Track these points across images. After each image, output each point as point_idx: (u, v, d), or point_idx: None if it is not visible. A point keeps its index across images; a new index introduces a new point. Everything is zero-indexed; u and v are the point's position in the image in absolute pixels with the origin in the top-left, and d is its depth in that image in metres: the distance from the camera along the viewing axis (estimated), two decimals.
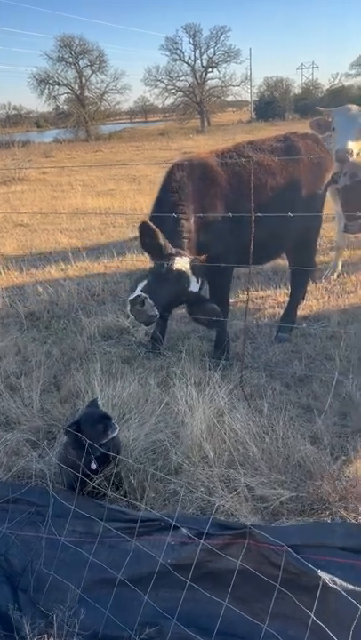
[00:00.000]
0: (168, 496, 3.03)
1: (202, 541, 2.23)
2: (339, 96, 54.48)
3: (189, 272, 4.61)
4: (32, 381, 4.58)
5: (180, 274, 4.56)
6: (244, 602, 2.22)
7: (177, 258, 4.51)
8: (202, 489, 2.96)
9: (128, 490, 3.10)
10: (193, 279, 4.64)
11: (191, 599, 2.32)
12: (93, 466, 3.06)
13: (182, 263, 4.55)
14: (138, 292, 4.54)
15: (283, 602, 2.10)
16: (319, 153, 5.47)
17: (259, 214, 4.22)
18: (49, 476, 3.14)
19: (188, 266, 4.58)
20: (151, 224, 4.47)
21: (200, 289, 4.72)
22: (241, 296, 6.96)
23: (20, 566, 2.85)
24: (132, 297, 4.52)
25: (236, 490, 2.93)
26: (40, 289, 7.53)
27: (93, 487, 3.02)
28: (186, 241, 4.64)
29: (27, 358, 5.37)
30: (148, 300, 4.39)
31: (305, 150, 5.34)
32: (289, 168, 5.18)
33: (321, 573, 1.99)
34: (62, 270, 8.70)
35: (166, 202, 4.74)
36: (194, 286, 4.64)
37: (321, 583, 1.97)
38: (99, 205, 14.00)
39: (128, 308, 4.56)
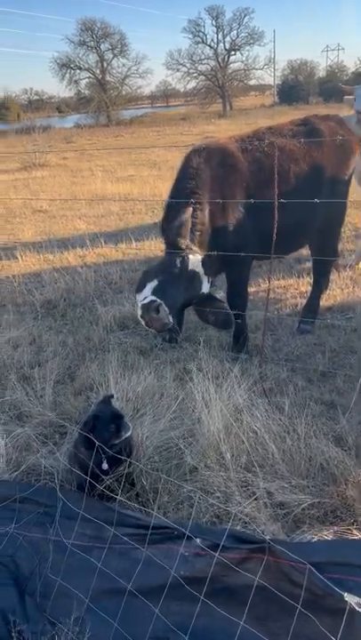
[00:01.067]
0: (182, 499, 2.87)
1: (217, 555, 2.07)
2: None
3: (202, 272, 4.37)
4: (46, 372, 4.45)
5: (194, 275, 4.31)
6: (262, 621, 2.06)
7: (190, 256, 4.26)
8: (218, 494, 2.79)
9: (140, 492, 2.95)
10: (205, 279, 4.40)
11: (205, 614, 2.17)
12: (105, 466, 2.91)
13: (195, 263, 4.30)
14: (148, 293, 4.21)
15: (305, 623, 1.93)
16: (343, 135, 5.18)
17: (282, 200, 4.00)
18: (57, 475, 3.00)
19: (200, 264, 4.33)
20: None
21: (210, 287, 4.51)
22: (263, 285, 6.75)
23: (27, 569, 2.73)
24: (144, 301, 4.17)
25: (254, 495, 2.76)
26: (57, 276, 7.41)
27: (104, 488, 2.88)
28: (198, 234, 4.39)
29: (41, 348, 5.25)
30: (164, 306, 4.09)
31: (328, 133, 5.06)
32: (312, 153, 4.91)
33: (348, 597, 1.82)
34: (80, 257, 8.57)
35: (182, 189, 4.50)
36: (205, 287, 4.40)
37: (348, 607, 1.80)
38: (118, 191, 13.82)
39: (139, 312, 4.21)
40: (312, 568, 1.90)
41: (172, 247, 4.32)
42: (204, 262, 4.33)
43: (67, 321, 6.09)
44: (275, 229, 3.79)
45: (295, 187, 4.73)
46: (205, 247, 4.41)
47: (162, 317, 4.08)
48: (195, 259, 4.26)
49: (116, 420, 2.87)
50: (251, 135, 4.96)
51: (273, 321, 5.62)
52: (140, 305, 4.20)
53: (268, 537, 2.07)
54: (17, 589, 2.72)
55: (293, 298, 6.32)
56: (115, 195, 13.37)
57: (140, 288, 4.33)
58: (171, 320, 4.10)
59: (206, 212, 4.43)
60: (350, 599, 1.82)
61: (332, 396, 4.21)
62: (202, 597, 2.05)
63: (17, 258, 8.59)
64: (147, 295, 4.17)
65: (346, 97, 6.65)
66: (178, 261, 4.24)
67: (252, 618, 2.06)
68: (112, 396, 3.09)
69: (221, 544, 2.08)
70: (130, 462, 3.01)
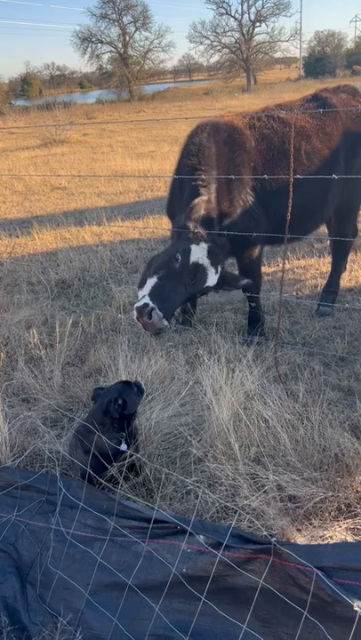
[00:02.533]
0: (188, 490, 2.76)
1: (219, 554, 1.96)
2: None
3: (207, 263, 3.98)
4: (55, 354, 4.37)
5: (197, 268, 3.94)
6: (267, 623, 1.95)
7: (192, 247, 3.92)
8: (225, 486, 2.68)
9: (146, 480, 2.85)
10: (211, 270, 4.01)
11: (208, 614, 2.07)
12: (123, 446, 2.83)
13: (199, 254, 3.94)
14: (147, 292, 3.90)
15: (313, 630, 1.81)
16: (358, 106, 4.88)
17: (298, 176, 3.78)
18: (58, 462, 2.91)
19: (205, 254, 3.96)
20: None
21: (218, 279, 4.11)
22: (281, 265, 6.55)
23: (29, 558, 2.66)
24: (138, 303, 3.87)
25: (263, 488, 2.63)
26: (72, 255, 7.31)
27: (109, 476, 2.79)
28: (203, 213, 4.06)
29: (53, 328, 5.16)
30: (157, 311, 3.74)
31: (341, 106, 4.77)
32: (326, 128, 4.64)
33: (358, 606, 1.69)
34: (96, 236, 8.44)
35: (184, 166, 4.23)
36: (212, 279, 4.03)
37: (358, 616, 1.67)
38: (138, 168, 13.60)
39: (135, 315, 3.91)
40: (319, 573, 1.77)
41: (178, 226, 4.10)
42: (210, 251, 4.00)
43: (80, 301, 5.99)
44: (289, 208, 3.53)
45: (308, 166, 4.47)
46: (213, 228, 4.14)
47: (154, 322, 3.76)
48: (199, 249, 3.94)
49: (130, 386, 2.90)
50: (260, 112, 4.70)
51: (291, 303, 5.44)
52: (134, 306, 3.93)
53: (274, 538, 1.95)
54: (19, 578, 2.67)
55: (313, 279, 6.12)
56: (134, 171, 13.15)
57: (141, 283, 4.07)
58: (165, 324, 3.78)
59: (213, 188, 4.13)
60: None
61: (351, 382, 4.05)
62: (203, 598, 1.94)
63: (33, 236, 8.50)
64: (145, 294, 3.88)
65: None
66: (179, 254, 3.91)
67: (257, 620, 1.95)
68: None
69: (225, 543, 1.97)
70: (137, 448, 2.93)
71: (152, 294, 3.84)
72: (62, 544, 2.54)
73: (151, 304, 3.74)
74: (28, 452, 3.10)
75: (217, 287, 4.19)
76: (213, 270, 4.03)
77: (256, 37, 61.76)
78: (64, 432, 3.41)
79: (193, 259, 3.91)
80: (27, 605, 2.55)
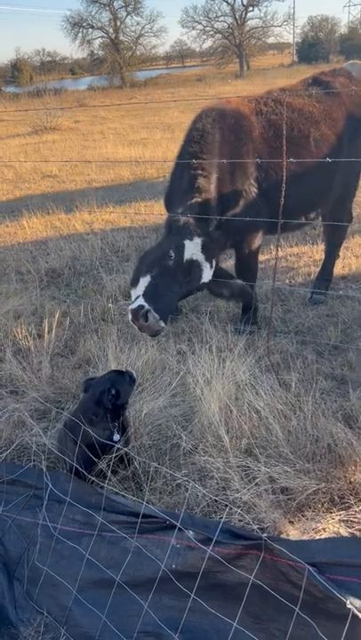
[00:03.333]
0: (179, 483, 2.70)
1: (209, 550, 1.91)
2: None
3: (202, 258, 3.76)
4: (44, 345, 4.29)
5: (191, 264, 3.73)
6: (259, 620, 1.90)
7: (186, 242, 3.72)
8: (216, 479, 2.62)
9: (135, 473, 2.80)
10: (206, 266, 3.81)
11: (198, 610, 2.02)
12: (116, 437, 2.78)
13: (193, 249, 3.73)
14: (141, 292, 3.71)
15: (305, 627, 1.77)
16: (358, 91, 4.76)
17: (291, 160, 3.66)
18: (44, 455, 2.84)
19: (199, 249, 3.75)
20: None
21: (213, 269, 3.91)
22: (274, 252, 6.47)
23: (16, 553, 2.61)
24: (133, 305, 3.69)
25: (255, 480, 2.58)
26: (62, 244, 7.21)
27: (98, 469, 2.73)
28: (199, 201, 3.86)
29: (43, 318, 5.07)
30: (153, 313, 3.56)
31: (343, 89, 4.66)
32: (333, 114, 4.49)
33: (351, 602, 1.64)
34: (87, 224, 8.33)
35: (185, 153, 4.05)
36: (207, 275, 3.83)
37: (351, 613, 1.63)
38: (130, 155, 13.44)
39: (129, 317, 3.74)
40: (311, 569, 1.72)
41: (172, 220, 3.95)
42: (204, 246, 3.80)
43: (71, 290, 5.91)
44: (282, 192, 3.43)
45: (316, 154, 4.32)
46: (211, 221, 3.96)
47: (151, 325, 3.60)
48: (192, 244, 3.74)
49: (122, 375, 2.87)
50: (265, 95, 4.54)
51: (284, 291, 5.38)
52: (128, 309, 3.77)
53: (265, 534, 1.90)
54: (6, 574, 2.62)
55: (307, 266, 6.05)
56: (126, 159, 13.00)
57: (134, 282, 3.90)
58: (162, 325, 3.61)
59: (213, 178, 3.97)
60: (354, 604, 1.64)
61: (344, 370, 4.00)
62: (193, 595, 1.89)
63: (23, 224, 8.38)
64: (138, 294, 3.71)
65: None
66: (173, 251, 3.73)
67: (248, 616, 1.91)
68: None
69: (215, 539, 1.92)
70: (127, 439, 2.88)
71: (146, 294, 3.65)
72: (50, 539, 2.49)
73: (146, 306, 3.55)
74: (14, 445, 3.03)
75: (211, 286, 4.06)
76: (208, 265, 3.83)
77: (249, 22, 61.12)
78: (52, 425, 3.34)
79: (187, 255, 3.72)
80: (14, 602, 2.50)
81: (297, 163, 4.04)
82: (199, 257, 3.75)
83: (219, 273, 4.21)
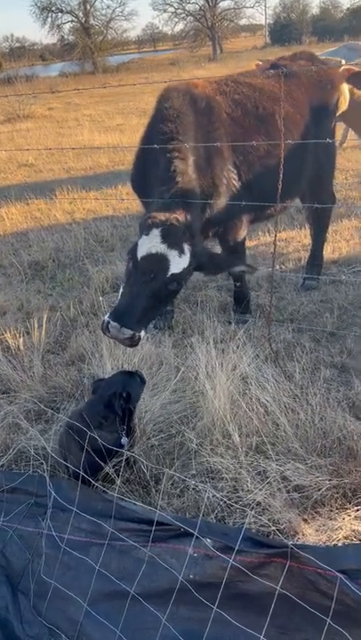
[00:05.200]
0: (187, 484, 2.59)
1: (231, 560, 1.81)
2: (360, 16, 51.05)
3: (163, 248, 3.24)
4: (34, 342, 4.13)
5: (149, 260, 3.24)
6: (284, 630, 1.82)
7: (139, 240, 3.31)
8: (227, 480, 2.52)
9: (141, 475, 2.68)
10: (172, 254, 3.25)
11: (219, 620, 1.92)
12: (124, 440, 2.66)
13: (148, 244, 3.26)
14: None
15: (335, 636, 1.68)
16: (318, 71, 4.64)
17: (269, 142, 3.53)
18: (48, 460, 2.71)
19: (158, 240, 3.24)
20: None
21: (190, 259, 3.33)
22: (262, 238, 6.37)
23: (19, 565, 2.49)
24: (103, 317, 3.28)
25: (267, 479, 2.49)
26: (44, 235, 7.01)
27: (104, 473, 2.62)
28: (178, 186, 3.49)
29: (30, 314, 4.91)
30: (111, 323, 3.14)
31: (300, 72, 4.53)
32: (293, 94, 4.37)
33: None
34: (68, 214, 8.12)
35: (157, 133, 3.72)
36: (177, 264, 3.26)
37: None
38: (107, 141, 13.16)
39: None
40: (342, 577, 1.63)
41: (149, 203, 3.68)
42: (165, 234, 3.26)
43: (56, 283, 5.74)
44: (280, 173, 3.28)
45: (285, 132, 4.17)
46: (194, 197, 3.61)
47: (115, 335, 3.18)
48: (147, 239, 3.27)
49: (132, 375, 2.78)
50: (225, 78, 4.38)
51: (276, 277, 5.27)
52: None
53: (291, 541, 1.80)
54: (9, 587, 2.50)
55: (296, 251, 5.96)
56: (103, 145, 12.72)
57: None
58: (126, 334, 3.12)
59: (190, 161, 3.65)
60: None
61: (343, 358, 3.93)
62: (215, 607, 1.79)
63: (2, 216, 8.13)
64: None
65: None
66: (129, 253, 3.40)
67: (273, 627, 1.81)
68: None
69: (236, 547, 1.81)
70: (133, 441, 2.77)
71: (117, 306, 3.33)
72: (55, 550, 2.36)
73: (106, 318, 3.20)
74: (11, 450, 2.89)
75: (207, 272, 3.70)
76: (176, 253, 3.27)
77: (221, 4, 60.33)
78: (49, 426, 3.21)
79: (141, 252, 3.27)
80: (20, 617, 2.38)
81: (268, 142, 3.95)
82: (159, 248, 3.25)
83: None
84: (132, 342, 3.20)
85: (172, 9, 59.52)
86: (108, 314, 3.24)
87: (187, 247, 3.31)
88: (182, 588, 1.97)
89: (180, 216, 3.32)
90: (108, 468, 2.56)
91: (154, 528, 2.08)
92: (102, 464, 2.55)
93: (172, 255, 3.26)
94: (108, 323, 3.17)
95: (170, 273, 3.25)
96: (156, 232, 3.27)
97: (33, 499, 2.57)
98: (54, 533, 2.40)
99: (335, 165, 5.26)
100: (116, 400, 2.58)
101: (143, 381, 2.77)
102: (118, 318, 3.15)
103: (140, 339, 3.20)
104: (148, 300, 3.24)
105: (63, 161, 11.98)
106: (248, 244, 6.17)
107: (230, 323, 4.36)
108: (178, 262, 3.28)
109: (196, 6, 59.19)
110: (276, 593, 1.73)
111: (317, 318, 4.54)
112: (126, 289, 3.31)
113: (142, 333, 3.22)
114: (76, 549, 2.31)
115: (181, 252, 3.29)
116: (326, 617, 1.64)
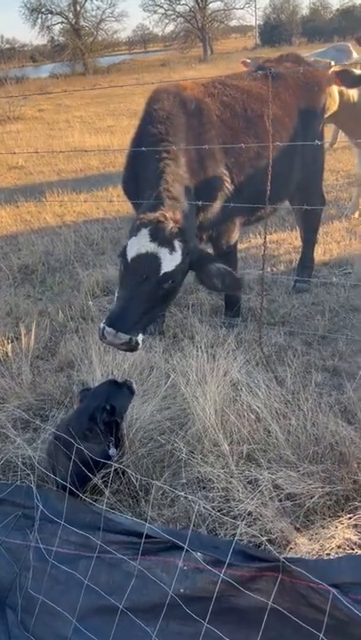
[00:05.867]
0: (177, 494, 2.54)
1: (222, 575, 1.76)
2: (350, 16, 51.24)
3: (153, 247, 3.15)
4: (23, 347, 4.08)
5: (138, 261, 3.15)
6: None
7: (129, 241, 3.23)
8: (217, 489, 2.48)
9: (128, 488, 2.64)
10: (164, 253, 3.15)
11: (210, 635, 1.88)
12: (112, 451, 2.60)
13: (136, 245, 3.17)
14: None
15: None
16: (304, 73, 4.62)
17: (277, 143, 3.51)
18: (33, 471, 2.65)
19: (147, 240, 3.16)
20: None
21: (183, 256, 3.22)
22: (253, 241, 6.34)
23: (7, 579, 2.43)
24: (100, 324, 3.20)
25: (258, 488, 2.45)
26: (34, 238, 6.94)
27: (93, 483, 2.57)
28: (170, 188, 3.43)
29: (19, 318, 4.85)
30: (108, 329, 3.04)
31: (287, 74, 4.49)
32: (280, 96, 4.33)
33: None
34: (59, 217, 8.06)
35: (147, 135, 3.68)
36: (168, 262, 3.16)
37: None
38: (98, 143, 13.10)
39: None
40: (335, 591, 1.60)
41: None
42: (154, 233, 3.17)
43: (46, 287, 5.68)
44: (269, 175, 3.25)
45: (273, 134, 4.12)
46: (184, 197, 3.55)
47: (110, 341, 3.09)
48: (135, 240, 3.20)
49: (120, 385, 2.70)
50: (212, 81, 4.32)
51: (267, 280, 5.24)
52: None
53: (283, 555, 1.76)
54: None
55: (287, 254, 5.93)
56: (94, 147, 12.66)
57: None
58: (123, 338, 3.03)
59: (182, 162, 3.61)
60: None
61: (335, 361, 3.90)
62: (206, 623, 1.75)
63: None
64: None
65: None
66: (120, 256, 3.34)
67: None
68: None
69: (227, 561, 1.77)
70: (123, 452, 2.72)
71: (111, 311, 3.27)
72: (44, 563, 2.31)
73: (102, 324, 3.12)
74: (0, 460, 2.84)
75: (201, 278, 3.45)
76: (166, 251, 3.17)
77: (211, 5, 60.35)
78: (37, 435, 3.15)
79: (131, 253, 3.20)
80: (7, 632, 2.33)
81: (258, 144, 3.92)
82: (148, 247, 3.17)
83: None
84: (130, 347, 3.11)
85: (162, 10, 59.51)
86: (104, 320, 3.17)
87: (177, 244, 3.22)
88: (172, 602, 1.92)
89: (167, 213, 3.25)
90: (97, 480, 2.51)
91: (143, 541, 2.04)
92: (90, 475, 2.50)
93: (163, 253, 3.17)
94: (104, 329, 3.09)
95: (162, 272, 3.16)
96: (144, 232, 3.20)
97: (21, 510, 2.51)
98: (42, 546, 2.35)
99: (324, 167, 5.25)
100: (99, 413, 2.53)
101: (132, 392, 2.72)
102: (113, 323, 3.07)
103: (137, 343, 3.12)
104: (143, 302, 3.15)
105: (53, 163, 11.91)
106: (238, 246, 6.15)
107: (222, 326, 4.32)
108: (170, 260, 3.19)
109: (186, 7, 59.23)
110: (268, 608, 1.69)
111: (309, 321, 4.51)
112: (120, 293, 3.25)
113: (140, 338, 3.13)
114: (64, 563, 2.26)
115: (172, 249, 3.20)
116: (319, 632, 1.60)
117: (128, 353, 3.45)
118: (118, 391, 2.64)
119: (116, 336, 3.04)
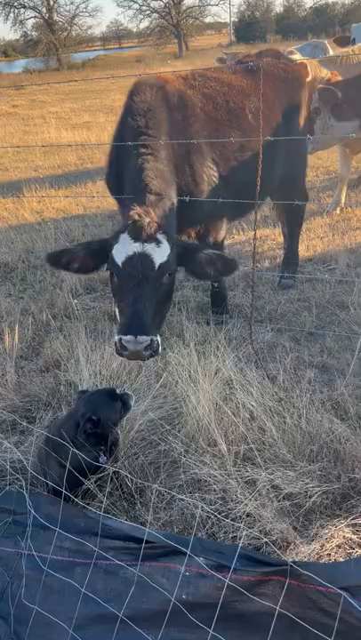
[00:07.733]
0: (173, 496, 2.48)
1: (227, 580, 1.71)
2: (323, 14, 51.70)
3: (139, 247, 3.08)
4: (6, 347, 3.97)
5: (132, 262, 3.07)
6: None
7: (115, 247, 3.12)
8: (215, 491, 2.42)
9: (122, 492, 2.56)
10: (152, 248, 3.09)
11: None
12: (103, 459, 2.52)
13: (123, 248, 3.09)
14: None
15: None
16: (284, 67, 4.59)
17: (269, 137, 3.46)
18: (22, 475, 2.57)
19: (130, 243, 3.08)
20: None
21: (171, 246, 3.15)
22: (237, 237, 6.30)
23: None
24: (114, 337, 3.10)
25: (257, 488, 2.40)
26: (13, 235, 6.80)
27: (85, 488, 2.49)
28: (154, 189, 3.37)
29: (0, 318, 4.73)
30: (125, 338, 2.92)
31: (267, 68, 4.46)
32: (262, 89, 4.31)
33: None
34: (37, 213, 7.91)
35: (127, 129, 3.59)
36: (160, 256, 3.10)
37: None
38: (74, 139, 12.92)
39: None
40: (345, 594, 1.55)
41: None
42: (136, 229, 3.10)
43: (27, 285, 5.55)
44: (259, 170, 3.20)
45: (256, 126, 4.07)
46: (165, 192, 3.48)
47: (131, 351, 2.96)
48: (119, 245, 3.13)
49: (116, 395, 2.60)
50: (192, 73, 4.22)
51: (252, 276, 5.20)
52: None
53: (290, 559, 1.71)
54: None
55: (271, 250, 5.91)
56: (71, 143, 12.48)
57: None
58: (155, 341, 2.96)
59: (162, 156, 3.52)
60: None
61: (324, 358, 3.88)
62: (211, 631, 1.69)
63: None
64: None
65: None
66: (109, 262, 3.25)
67: None
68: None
69: (232, 566, 1.72)
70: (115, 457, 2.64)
71: (118, 324, 3.18)
72: (37, 571, 2.23)
73: (116, 338, 3.01)
74: None
75: (188, 269, 3.37)
76: (153, 245, 3.11)
77: (185, 1, 60.46)
78: (25, 438, 3.06)
79: (120, 259, 3.12)
80: None
81: (242, 137, 3.88)
82: (136, 248, 3.09)
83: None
84: (153, 350, 2.98)
85: (136, 6, 59.29)
86: (115, 336, 3.04)
87: (160, 236, 3.15)
88: (175, 609, 1.86)
89: (141, 210, 3.18)
90: (90, 484, 2.43)
91: (143, 546, 1.97)
92: (83, 479, 2.42)
93: (151, 248, 3.11)
94: (120, 340, 2.96)
95: (157, 265, 3.10)
96: (123, 236, 3.15)
97: (11, 517, 2.42)
98: (35, 553, 2.26)
99: (307, 162, 5.22)
100: (83, 423, 2.44)
101: (127, 407, 2.60)
102: (128, 330, 2.94)
103: (159, 344, 3.02)
104: (149, 300, 3.07)
105: (30, 159, 11.72)
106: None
107: (208, 323, 4.27)
108: (160, 252, 3.13)
109: (160, 3, 59.06)
110: (276, 613, 1.64)
111: (296, 317, 4.49)
112: (122, 302, 3.14)
113: (159, 338, 3.04)
114: (59, 570, 2.18)
115: (157, 242, 3.14)
116: (329, 637, 1.56)
117: (154, 358, 3.22)
118: (108, 404, 2.53)
119: (137, 340, 2.90)
